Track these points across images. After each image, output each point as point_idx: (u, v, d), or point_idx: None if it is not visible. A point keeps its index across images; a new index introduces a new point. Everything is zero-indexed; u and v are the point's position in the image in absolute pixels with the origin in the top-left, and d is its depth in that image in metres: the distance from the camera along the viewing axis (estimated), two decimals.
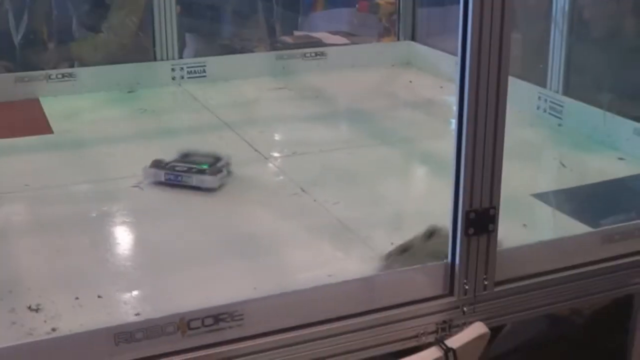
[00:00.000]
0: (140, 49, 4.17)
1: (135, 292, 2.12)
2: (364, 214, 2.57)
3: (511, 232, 2.21)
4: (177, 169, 2.75)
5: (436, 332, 2.03)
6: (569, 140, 3.20)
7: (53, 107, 3.64)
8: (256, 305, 1.88)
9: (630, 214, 2.49)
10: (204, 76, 4.04)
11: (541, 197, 2.67)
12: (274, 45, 4.78)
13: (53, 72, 3.83)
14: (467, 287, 2.03)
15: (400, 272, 2.04)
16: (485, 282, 2.04)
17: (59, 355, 1.74)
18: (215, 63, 4.09)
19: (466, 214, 1.96)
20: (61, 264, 2.26)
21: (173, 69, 3.99)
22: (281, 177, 2.89)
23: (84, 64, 4.10)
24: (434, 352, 1.94)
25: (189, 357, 1.82)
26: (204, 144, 3.16)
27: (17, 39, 4.07)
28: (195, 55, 4.44)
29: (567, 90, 3.35)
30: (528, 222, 2.49)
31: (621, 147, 3.02)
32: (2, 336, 1.89)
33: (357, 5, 5.19)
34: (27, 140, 3.26)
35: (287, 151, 3.11)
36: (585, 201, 2.70)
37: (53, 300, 2.03)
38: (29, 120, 3.51)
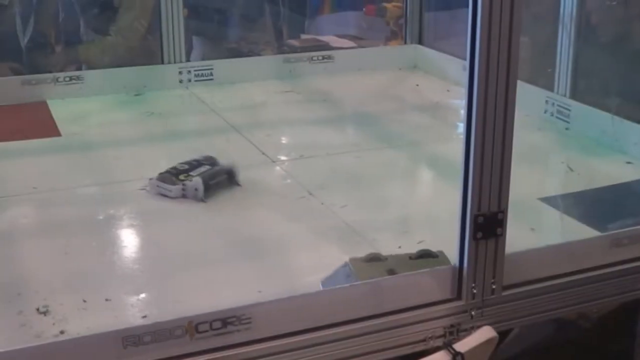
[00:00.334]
0: (147, 52, 4.17)
1: (142, 295, 2.12)
2: (371, 217, 2.57)
3: (519, 236, 2.21)
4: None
5: (444, 336, 2.03)
6: (577, 144, 3.20)
7: (61, 109, 3.65)
8: (264, 308, 1.87)
9: (638, 218, 2.48)
10: (211, 79, 4.04)
11: (549, 201, 2.66)
12: (281, 48, 4.78)
13: (60, 74, 3.84)
14: (475, 291, 2.02)
15: (408, 275, 2.04)
16: (493, 286, 2.04)
17: (67, 358, 1.74)
18: (222, 66, 4.10)
19: (474, 218, 1.96)
20: (69, 267, 2.26)
21: (180, 72, 3.99)
22: (288, 181, 2.89)
23: (91, 66, 4.11)
24: (442, 356, 1.94)
25: None
26: (211, 147, 3.17)
27: (24, 41, 4.08)
28: (203, 59, 4.44)
29: (575, 94, 3.35)
30: (536, 226, 2.49)
31: (629, 151, 3.02)
32: (10, 338, 1.89)
33: (364, 9, 5.19)
34: (34, 143, 3.27)
35: (295, 154, 3.11)
36: (593, 205, 2.70)
37: (61, 303, 2.03)
38: (36, 123, 3.51)
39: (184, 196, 2.67)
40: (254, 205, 2.68)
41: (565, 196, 2.74)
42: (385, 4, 4.94)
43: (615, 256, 2.23)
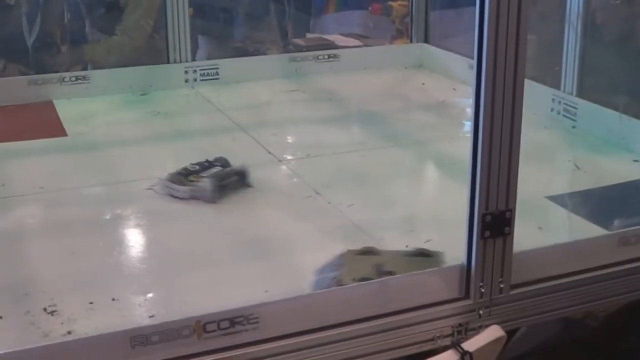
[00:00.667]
0: (153, 51, 4.17)
1: (149, 295, 2.12)
2: (377, 216, 2.57)
3: (526, 234, 2.20)
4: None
5: (452, 335, 2.02)
6: (584, 142, 3.20)
7: (67, 109, 3.65)
8: (272, 308, 1.87)
9: None
10: (217, 78, 4.04)
11: (556, 199, 2.66)
12: (287, 47, 4.78)
13: (67, 74, 3.84)
14: (483, 290, 2.02)
15: (416, 274, 2.04)
16: (501, 285, 2.04)
17: (75, 358, 1.74)
18: (228, 65, 4.10)
19: (482, 217, 1.95)
20: (76, 267, 2.27)
21: (186, 72, 4.00)
22: (295, 180, 2.89)
23: (97, 66, 4.11)
24: (450, 355, 1.93)
25: None
26: (217, 146, 3.17)
27: (30, 41, 4.08)
28: (208, 58, 4.44)
29: (582, 92, 3.34)
30: (543, 225, 2.48)
31: (636, 149, 3.01)
32: (18, 338, 1.89)
33: (369, 7, 5.18)
34: (41, 142, 3.27)
35: (301, 153, 3.11)
36: (600, 203, 2.70)
37: (68, 303, 2.04)
38: (42, 123, 3.52)
39: (193, 197, 2.66)
40: (261, 205, 2.68)
41: (572, 194, 2.73)
42: (390, 3, 4.94)
43: (623, 255, 2.23)
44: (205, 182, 2.67)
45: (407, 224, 2.55)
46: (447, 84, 4.06)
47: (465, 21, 4.17)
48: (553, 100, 3.42)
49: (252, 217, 2.60)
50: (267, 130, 3.36)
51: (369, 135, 3.39)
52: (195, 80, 4.01)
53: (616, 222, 2.47)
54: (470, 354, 1.94)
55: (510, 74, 1.89)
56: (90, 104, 3.74)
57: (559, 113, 3.40)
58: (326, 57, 4.29)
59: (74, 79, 3.83)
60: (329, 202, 2.65)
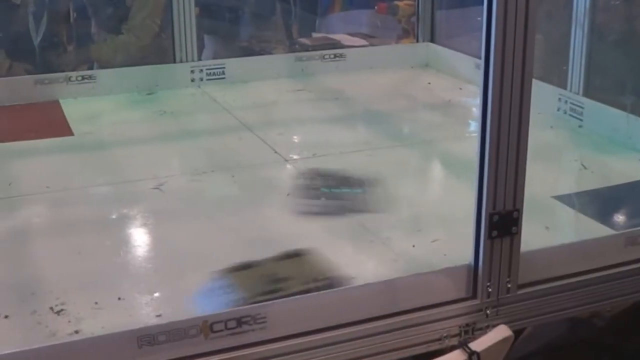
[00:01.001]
0: (159, 50, 4.17)
1: (156, 294, 2.12)
2: (384, 216, 2.56)
3: (534, 234, 2.20)
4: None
5: (459, 335, 2.02)
6: (590, 141, 3.19)
7: (73, 109, 3.66)
8: (279, 308, 1.87)
9: None
10: (223, 78, 4.04)
11: (563, 199, 2.66)
12: (293, 47, 4.78)
13: (73, 74, 3.84)
14: (490, 289, 2.02)
15: (423, 274, 2.04)
16: (509, 285, 2.04)
17: (82, 358, 1.74)
18: (234, 65, 4.10)
19: (490, 217, 1.95)
20: (82, 266, 2.27)
21: (192, 71, 4.00)
22: (301, 179, 2.88)
23: (103, 66, 4.11)
24: (457, 355, 1.93)
25: None
26: (224, 146, 3.17)
27: (36, 41, 4.08)
28: (214, 57, 4.44)
29: (588, 92, 3.33)
30: (550, 225, 2.48)
31: None
32: (25, 338, 1.89)
33: (376, 7, 5.18)
34: (47, 142, 3.27)
35: (307, 153, 3.10)
36: (607, 203, 2.69)
37: (75, 302, 2.04)
38: (49, 122, 3.52)
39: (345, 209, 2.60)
40: (267, 204, 2.68)
41: (579, 194, 2.73)
42: (397, 2, 4.93)
43: (630, 255, 2.22)
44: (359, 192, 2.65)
45: (413, 223, 2.54)
46: (454, 83, 4.06)
47: (472, 21, 4.17)
48: (559, 99, 3.42)
49: (259, 216, 2.59)
50: (273, 129, 3.36)
51: (375, 135, 3.38)
52: (201, 79, 4.01)
53: (623, 222, 2.47)
54: (477, 353, 1.94)
55: (518, 73, 1.89)
56: (97, 104, 3.75)
57: (565, 112, 3.39)
58: (332, 56, 4.29)
59: (80, 78, 3.83)
60: None
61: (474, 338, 2.01)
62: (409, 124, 3.58)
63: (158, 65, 4.02)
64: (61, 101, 3.74)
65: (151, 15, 4.17)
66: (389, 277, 2.05)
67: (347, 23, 5.43)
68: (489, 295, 2.03)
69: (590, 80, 3.32)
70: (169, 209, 2.65)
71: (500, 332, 2.00)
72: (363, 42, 4.78)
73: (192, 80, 4.00)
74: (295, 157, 3.08)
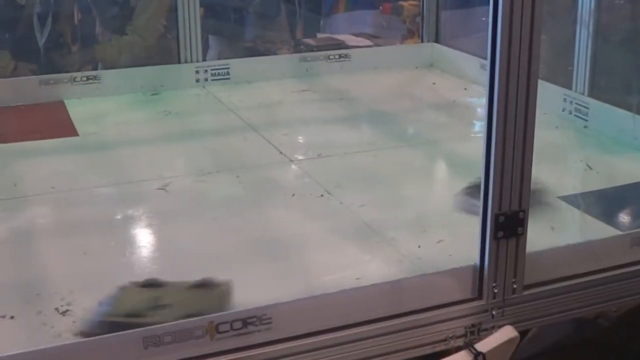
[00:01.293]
0: (164, 51, 4.17)
1: None
2: (389, 216, 2.56)
3: (539, 235, 2.20)
4: None
5: (465, 335, 2.02)
6: (595, 142, 3.19)
7: (78, 109, 3.66)
8: (284, 308, 1.87)
9: None
10: (228, 78, 4.04)
11: (568, 199, 2.65)
12: (297, 47, 4.77)
13: (77, 74, 3.85)
14: (496, 290, 2.02)
15: (429, 275, 2.04)
16: (514, 286, 2.03)
17: (88, 359, 1.74)
18: (239, 65, 4.10)
19: (495, 217, 1.95)
20: (87, 267, 2.27)
21: (197, 71, 4.00)
22: (306, 180, 2.88)
23: (108, 66, 4.11)
24: (463, 356, 1.93)
25: None
26: (229, 146, 3.18)
27: (41, 41, 4.08)
28: (219, 57, 4.44)
29: (593, 92, 3.33)
30: (556, 225, 2.48)
31: None
32: (31, 338, 1.90)
33: (380, 7, 5.18)
34: (52, 142, 3.27)
35: (312, 153, 3.10)
36: (613, 203, 2.69)
37: (80, 303, 2.04)
38: (54, 123, 3.52)
39: None
40: (272, 205, 2.68)
41: (584, 194, 2.72)
42: (401, 2, 4.93)
43: (636, 255, 2.22)
44: None
45: (418, 224, 2.54)
46: (458, 83, 4.05)
47: (477, 21, 4.17)
48: (564, 100, 3.41)
49: (264, 217, 2.59)
50: (278, 130, 3.36)
51: (380, 135, 3.38)
52: (206, 80, 4.01)
53: (629, 222, 2.46)
54: (483, 354, 1.94)
55: (524, 73, 1.89)
56: (101, 104, 3.75)
57: (570, 113, 3.39)
58: (337, 57, 4.29)
59: (84, 79, 3.83)
60: (341, 202, 2.65)
61: (480, 339, 2.01)
62: (414, 125, 3.58)
63: (163, 66, 4.02)
64: (66, 102, 3.75)
65: (156, 15, 4.17)
66: (394, 277, 2.05)
67: (351, 23, 5.43)
68: (494, 295, 2.02)
69: (595, 80, 3.32)
70: (174, 209, 2.65)
71: (506, 333, 2.00)
72: (368, 42, 4.78)
73: (197, 81, 4.00)
74: (300, 157, 3.08)
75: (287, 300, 1.90)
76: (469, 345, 1.98)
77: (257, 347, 1.85)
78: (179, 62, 3.99)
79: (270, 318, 1.85)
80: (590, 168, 2.94)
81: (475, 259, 2.02)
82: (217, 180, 2.86)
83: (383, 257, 2.28)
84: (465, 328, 2.02)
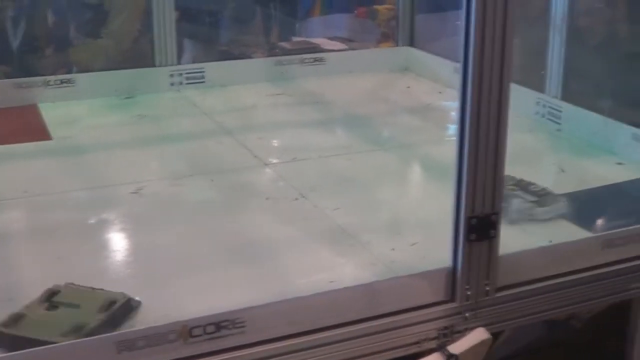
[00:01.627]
0: (139, 54, 4.17)
1: (136, 298, 2.11)
2: (364, 220, 2.57)
3: (512, 237, 2.21)
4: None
5: (438, 338, 2.03)
6: (568, 145, 3.21)
7: (51, 113, 3.64)
8: (258, 312, 1.88)
9: (629, 218, 2.49)
10: (203, 82, 4.03)
11: None
12: (272, 51, 4.78)
13: (51, 78, 3.82)
14: (468, 292, 2.03)
15: (401, 278, 2.05)
16: (487, 288, 2.05)
17: None
18: (214, 69, 4.09)
19: (468, 220, 1.96)
20: (61, 271, 2.25)
21: (172, 75, 3.98)
22: (281, 183, 2.88)
23: (82, 69, 4.10)
24: (436, 358, 1.94)
25: None
26: (203, 150, 3.17)
27: (15, 44, 4.07)
28: (193, 61, 4.43)
29: (566, 96, 3.35)
30: (528, 228, 2.49)
31: (620, 152, 3.03)
32: None
33: (355, 11, 5.19)
34: (25, 146, 3.25)
35: (287, 157, 3.11)
36: (585, 206, 2.70)
37: None
38: (27, 126, 3.50)
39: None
40: (247, 208, 2.68)
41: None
42: (376, 6, 4.95)
43: (607, 257, 2.24)
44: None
45: (393, 227, 2.55)
46: (433, 87, 4.07)
47: (451, 25, 4.18)
48: (537, 103, 3.43)
49: (238, 221, 2.59)
50: (253, 133, 3.36)
51: (354, 139, 3.39)
52: (180, 83, 4.00)
53: (601, 225, 2.48)
54: (456, 356, 1.95)
55: (497, 77, 1.90)
56: (75, 108, 3.73)
57: (543, 116, 3.41)
58: (312, 60, 4.29)
59: (58, 82, 3.81)
60: (315, 206, 2.65)
61: (453, 341, 2.02)
62: (389, 128, 3.59)
63: (137, 69, 4.01)
64: (39, 105, 3.72)
65: (130, 19, 4.16)
66: (368, 280, 2.05)
67: (327, 27, 5.43)
68: (467, 298, 2.04)
69: (568, 84, 3.34)
70: (148, 213, 2.65)
71: (479, 335, 2.01)
72: (343, 46, 4.78)
73: (172, 84, 3.99)
74: (274, 161, 3.08)
75: (260, 304, 1.90)
76: (441, 348, 1.99)
77: (231, 350, 1.85)
78: (154, 66, 3.97)
79: (243, 321, 1.85)
80: (563, 171, 2.96)
81: (449, 262, 2.03)
82: (192, 184, 2.86)
83: (357, 260, 2.28)
84: (438, 330, 2.03)
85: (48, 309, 2.02)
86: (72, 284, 2.12)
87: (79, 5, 4.23)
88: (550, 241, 2.37)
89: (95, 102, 3.81)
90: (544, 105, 3.40)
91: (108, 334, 1.78)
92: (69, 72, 4.09)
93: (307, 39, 4.99)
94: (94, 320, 1.94)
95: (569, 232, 2.44)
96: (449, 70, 3.91)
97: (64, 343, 1.79)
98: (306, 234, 2.49)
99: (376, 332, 1.97)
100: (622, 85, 3.32)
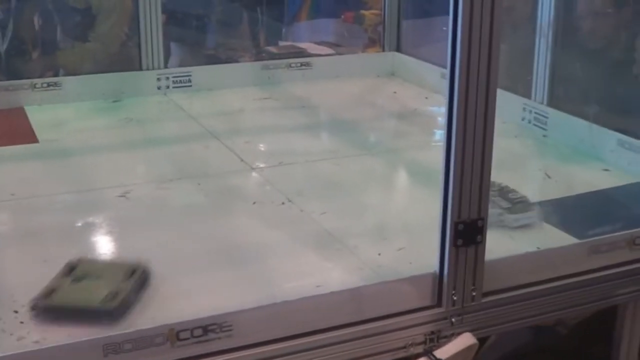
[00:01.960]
0: (125, 58, 4.16)
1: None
2: (351, 224, 2.57)
3: (498, 243, 2.22)
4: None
5: (424, 342, 2.04)
6: (554, 151, 3.22)
7: (38, 116, 3.64)
8: (245, 316, 1.88)
9: (615, 225, 2.50)
10: (190, 86, 4.04)
11: None
12: (259, 55, 4.78)
13: (38, 81, 3.82)
14: (455, 298, 2.03)
15: (388, 283, 2.05)
16: (474, 293, 2.05)
17: None
18: (200, 73, 4.09)
19: (455, 225, 1.97)
20: (47, 274, 2.24)
21: (159, 79, 3.99)
22: (267, 187, 2.89)
23: (69, 73, 4.09)
24: None
25: None
26: (190, 154, 3.17)
27: (2, 47, 4.06)
28: (180, 65, 4.43)
29: (552, 102, 3.36)
30: (515, 233, 2.49)
31: (605, 159, 3.04)
32: None
33: (342, 16, 5.19)
34: (12, 149, 3.25)
35: (273, 161, 3.11)
36: (571, 212, 2.71)
37: (39, 311, 2.02)
38: (13, 129, 3.50)
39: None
40: (233, 213, 2.68)
41: (543, 203, 2.74)
42: (363, 11, 4.95)
43: (594, 263, 2.25)
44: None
45: (379, 232, 2.55)
46: (419, 92, 4.08)
47: (438, 30, 4.20)
48: (524, 109, 3.44)
49: (225, 225, 2.59)
50: (239, 137, 3.36)
51: (341, 143, 3.39)
52: (167, 87, 4.00)
53: (587, 231, 2.49)
54: None
55: (483, 82, 1.91)
56: (62, 111, 3.73)
57: (529, 122, 3.42)
58: (299, 65, 4.30)
59: (45, 85, 3.80)
60: (302, 210, 2.66)
61: (439, 346, 2.03)
62: (375, 133, 3.59)
63: (124, 73, 4.00)
64: (26, 108, 3.72)
65: (119, 23, 4.16)
66: (354, 285, 2.06)
67: (313, 32, 5.43)
68: (454, 303, 2.04)
69: (554, 90, 3.35)
70: (135, 216, 2.65)
71: (465, 340, 2.02)
72: (329, 50, 4.79)
73: (159, 88, 3.99)
74: (261, 165, 3.08)
75: (247, 308, 1.90)
76: (428, 352, 2.00)
77: (218, 354, 1.85)
78: (141, 69, 3.97)
79: (230, 325, 1.85)
80: (549, 177, 2.97)
81: (435, 267, 2.04)
82: (178, 187, 2.86)
83: (344, 265, 2.28)
84: (425, 335, 2.04)
85: (74, 281, 2.11)
86: (86, 257, 2.24)
87: (67, 9, 4.22)
88: (511, 236, 2.41)
89: (82, 105, 3.80)
90: (530, 111, 3.41)
91: (96, 337, 1.77)
92: (56, 75, 4.08)
93: (294, 44, 4.99)
94: (125, 287, 2.05)
95: (555, 238, 2.45)
96: (436, 76, 3.93)
97: (50, 346, 1.78)
98: (293, 238, 2.49)
99: (363, 336, 1.97)
100: (608, 92, 3.33)
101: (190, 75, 4.05)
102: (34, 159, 3.17)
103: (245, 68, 4.37)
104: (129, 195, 2.75)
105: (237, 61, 4.58)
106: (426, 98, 3.98)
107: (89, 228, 2.59)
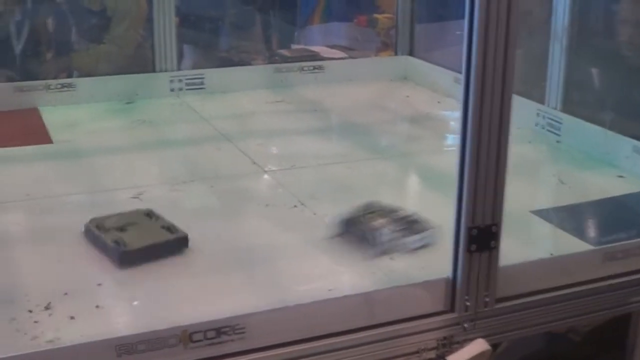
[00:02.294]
0: (139, 60, 4.17)
1: (135, 303, 2.12)
2: None
3: (512, 249, 2.21)
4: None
5: (437, 348, 2.03)
6: (568, 157, 3.21)
7: (52, 117, 3.65)
8: (258, 318, 1.88)
9: (630, 232, 2.49)
10: (203, 88, 4.04)
11: (541, 214, 2.67)
12: (272, 58, 4.79)
13: (53, 82, 3.83)
14: (468, 303, 2.03)
15: (401, 287, 2.04)
16: (487, 299, 2.05)
17: None
18: (213, 75, 4.10)
19: (468, 231, 1.97)
20: (61, 274, 2.25)
21: (172, 81, 3.99)
22: (280, 190, 2.89)
23: (84, 75, 4.10)
24: None
25: None
26: (203, 156, 3.18)
27: (18, 48, 4.07)
28: (193, 67, 4.44)
29: (566, 107, 3.35)
30: (528, 239, 2.49)
31: (620, 165, 3.03)
32: (3, 346, 1.88)
33: (355, 20, 5.20)
34: (26, 149, 3.26)
35: (286, 164, 3.11)
36: (585, 218, 2.71)
37: (54, 310, 2.03)
38: (28, 130, 3.50)
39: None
40: (245, 215, 2.68)
41: (557, 209, 2.74)
42: (376, 15, 4.96)
43: (608, 270, 2.25)
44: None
45: None
46: (432, 97, 4.07)
47: (451, 34, 4.20)
48: (538, 114, 3.43)
49: (237, 227, 2.59)
50: (252, 140, 3.36)
51: (353, 147, 3.39)
52: (180, 89, 4.01)
53: (601, 237, 2.48)
54: None
55: (498, 88, 1.91)
56: (76, 112, 3.74)
57: (543, 128, 3.41)
58: (311, 68, 4.30)
59: (59, 86, 3.81)
60: (314, 213, 2.66)
61: (452, 351, 2.03)
62: (387, 137, 3.59)
63: (138, 75, 4.01)
64: (40, 109, 3.73)
65: (134, 25, 4.17)
66: (367, 289, 2.06)
67: (326, 35, 5.45)
68: (467, 308, 2.04)
69: (568, 95, 3.35)
70: None
71: (478, 346, 2.02)
72: (342, 54, 4.80)
73: (172, 90, 4.00)
74: (274, 168, 3.08)
75: (260, 310, 1.90)
76: (440, 358, 1.99)
77: (231, 356, 1.86)
78: (154, 71, 3.98)
79: (243, 328, 1.85)
80: (563, 183, 2.96)
81: (448, 272, 2.04)
82: (191, 189, 2.86)
83: (356, 269, 2.28)
84: (438, 340, 2.04)
85: (120, 231, 2.36)
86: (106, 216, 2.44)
87: (82, 11, 4.23)
88: (526, 243, 2.40)
89: (96, 106, 3.81)
90: (544, 117, 3.41)
91: (109, 337, 1.78)
92: (70, 76, 4.09)
93: (307, 47, 5.00)
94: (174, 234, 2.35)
95: (569, 245, 2.44)
96: (449, 80, 3.93)
97: (63, 346, 1.79)
98: (305, 241, 2.48)
99: (375, 341, 1.97)
100: (624, 97, 3.32)
101: (203, 78, 4.05)
102: (48, 159, 3.18)
103: (258, 71, 4.37)
104: (143, 197, 2.76)
105: (249, 64, 4.59)
106: (439, 102, 3.97)
107: None
